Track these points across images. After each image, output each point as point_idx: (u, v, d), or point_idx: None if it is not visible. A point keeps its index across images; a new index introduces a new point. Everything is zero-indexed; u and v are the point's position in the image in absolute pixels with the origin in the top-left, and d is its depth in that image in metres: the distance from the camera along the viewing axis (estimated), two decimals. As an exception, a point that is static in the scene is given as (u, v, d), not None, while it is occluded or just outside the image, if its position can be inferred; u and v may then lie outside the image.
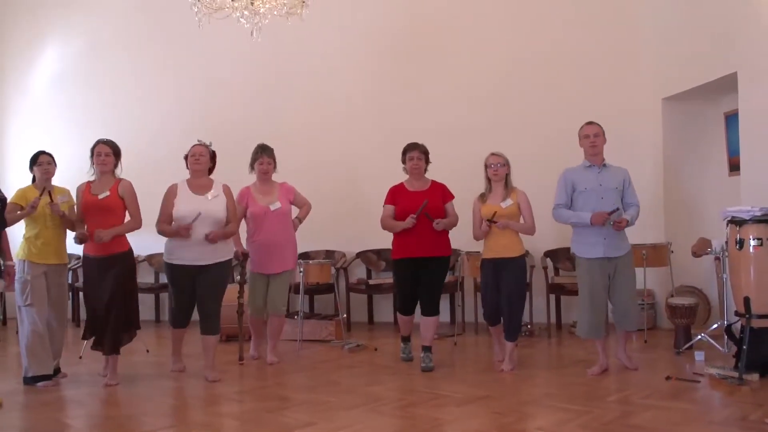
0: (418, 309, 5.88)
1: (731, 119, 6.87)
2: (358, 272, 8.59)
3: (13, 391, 5.15)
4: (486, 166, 5.65)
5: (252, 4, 6.64)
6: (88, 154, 5.41)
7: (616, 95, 7.75)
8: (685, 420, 4.10)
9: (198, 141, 5.53)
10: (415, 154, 5.79)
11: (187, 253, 5.36)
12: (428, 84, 8.40)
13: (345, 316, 7.73)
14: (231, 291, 6.81)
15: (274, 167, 6.14)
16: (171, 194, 5.47)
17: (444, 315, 8.12)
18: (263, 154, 6.07)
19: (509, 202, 5.55)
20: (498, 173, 5.58)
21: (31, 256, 5.30)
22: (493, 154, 5.66)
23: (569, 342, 7.06)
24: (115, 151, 5.40)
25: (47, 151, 5.62)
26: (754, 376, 5.05)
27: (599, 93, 7.81)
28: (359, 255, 8.50)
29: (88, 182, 5.36)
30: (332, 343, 7.06)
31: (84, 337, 5.57)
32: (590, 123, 5.49)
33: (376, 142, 8.21)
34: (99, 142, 5.39)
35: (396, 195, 5.84)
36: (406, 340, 6.09)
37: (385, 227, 5.84)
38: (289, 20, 6.84)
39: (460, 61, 8.36)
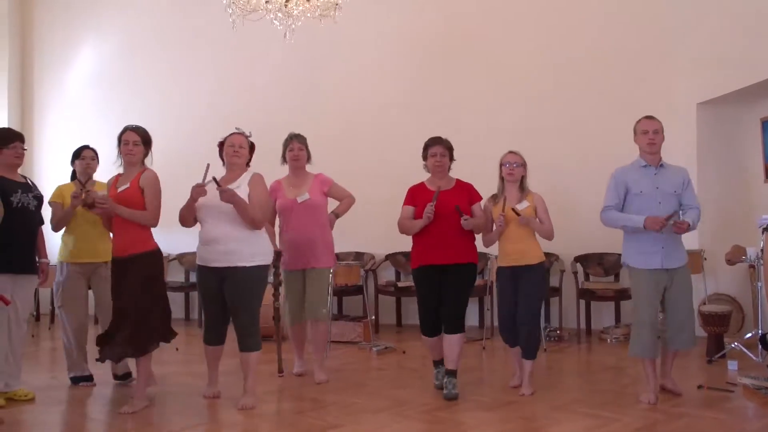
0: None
1: (767, 125, 6.77)
2: (387, 274, 8.58)
3: (46, 387, 5.23)
4: (501, 165, 5.15)
5: (286, 6, 6.67)
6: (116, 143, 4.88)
7: (651, 99, 7.60)
8: (718, 430, 4.05)
9: (236, 129, 4.88)
10: (438, 150, 5.13)
11: (206, 252, 4.70)
12: (462, 86, 8.36)
13: (373, 318, 7.73)
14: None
15: (308, 156, 5.59)
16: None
17: (473, 319, 8.12)
18: (293, 141, 5.57)
19: (525, 204, 5.04)
20: (513, 173, 5.08)
21: (67, 256, 5.29)
22: (510, 152, 5.17)
23: (599, 348, 6.99)
24: (145, 140, 4.83)
25: (91, 146, 5.50)
26: (789, 387, 4.97)
27: (633, 97, 7.70)
28: (388, 257, 8.50)
29: (118, 175, 4.87)
30: (360, 345, 7.06)
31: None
32: (649, 117, 4.91)
33: (407, 144, 8.15)
34: (127, 129, 4.82)
35: (416, 195, 5.16)
36: (439, 363, 5.18)
37: (402, 230, 5.18)
38: (322, 22, 6.86)
39: (493, 64, 8.31)
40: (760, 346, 5.85)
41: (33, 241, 4.94)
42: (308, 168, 5.65)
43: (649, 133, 4.83)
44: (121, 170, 4.86)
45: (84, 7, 10.01)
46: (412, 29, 8.54)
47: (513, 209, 4.93)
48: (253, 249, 4.68)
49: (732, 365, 5.71)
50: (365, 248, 8.50)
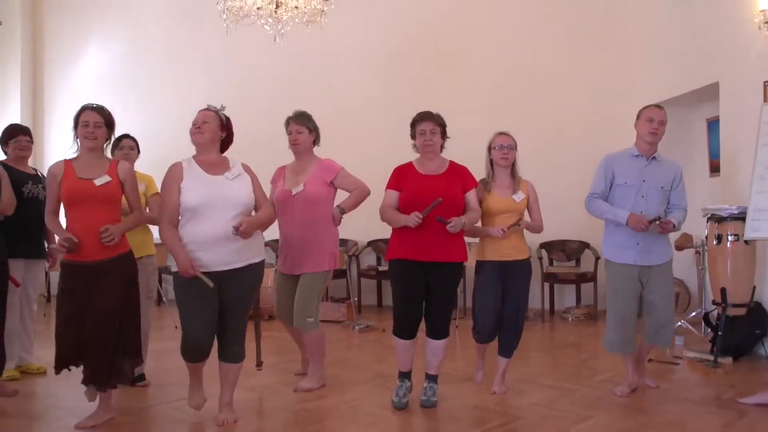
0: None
1: (713, 125, 6.87)
2: (369, 259, 8.64)
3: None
4: (491, 148, 4.32)
5: (275, 12, 6.67)
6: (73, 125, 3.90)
7: (610, 100, 7.79)
8: (665, 399, 4.15)
9: (207, 106, 3.89)
10: (428, 126, 4.09)
11: (209, 254, 3.59)
12: (435, 85, 8.39)
13: (356, 299, 7.79)
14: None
15: (315, 138, 4.55)
16: (174, 178, 3.65)
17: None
18: (291, 123, 4.52)
19: (522, 196, 4.28)
20: (508, 157, 4.26)
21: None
22: (501, 133, 4.34)
23: (561, 326, 7.10)
24: (108, 122, 3.82)
25: (130, 134, 4.74)
26: (728, 360, 5.11)
27: (594, 99, 7.87)
28: (370, 243, 8.54)
29: (67, 161, 3.81)
30: (344, 324, 7.11)
31: (58, 370, 3.76)
32: (658, 106, 4.34)
33: (387, 140, 8.22)
34: (86, 108, 3.82)
35: (402, 178, 4.12)
36: (404, 376, 4.14)
37: (384, 218, 4.12)
38: (309, 27, 6.86)
39: (467, 66, 8.37)
40: (703, 324, 5.98)
41: (42, 229, 4.92)
42: (317, 152, 4.68)
43: (654, 122, 4.23)
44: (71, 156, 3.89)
45: (90, 12, 9.93)
46: (391, 34, 8.57)
47: (517, 224, 4.19)
48: (257, 243, 3.77)
49: (679, 341, 5.83)
50: (349, 235, 8.52)
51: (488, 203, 4.24)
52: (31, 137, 5.03)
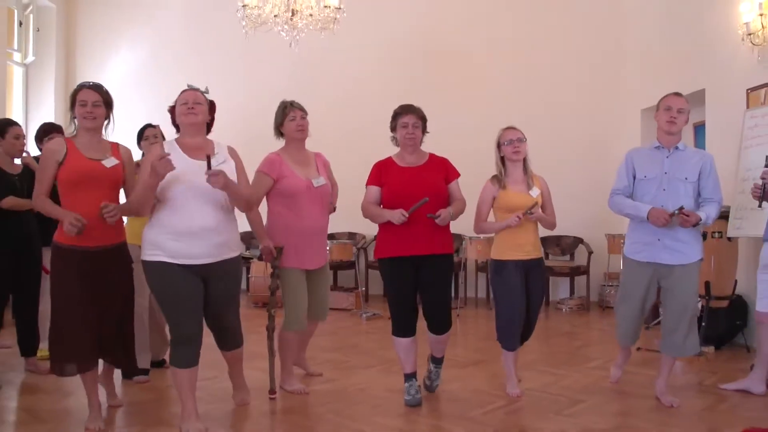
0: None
1: (699, 129, 6.88)
2: (376, 251, 8.65)
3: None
4: (500, 144, 3.93)
5: (291, 19, 6.70)
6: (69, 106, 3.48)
7: (603, 103, 7.84)
8: (652, 384, 4.17)
9: (188, 86, 3.50)
10: (410, 119, 3.86)
11: (193, 246, 3.22)
12: (442, 92, 8.40)
13: (364, 289, 7.82)
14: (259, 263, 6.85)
15: None
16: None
17: (448, 290, 8.21)
18: (295, 108, 4.06)
19: (537, 191, 3.93)
20: (519, 150, 3.87)
21: (131, 237, 3.83)
22: (509, 128, 3.94)
23: (555, 316, 7.14)
24: (106, 100, 3.44)
25: (152, 123, 4.62)
26: (711, 348, 5.14)
27: (588, 102, 7.91)
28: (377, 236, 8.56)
29: (67, 139, 3.42)
30: (352, 312, 7.15)
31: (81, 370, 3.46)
32: (677, 94, 3.83)
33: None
34: (83, 87, 3.40)
35: (383, 173, 3.85)
36: (411, 376, 3.86)
37: (365, 215, 3.86)
38: (322, 34, 6.89)
39: (470, 72, 8.40)
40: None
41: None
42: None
43: (672, 111, 3.77)
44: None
45: (120, 18, 9.96)
46: (399, 40, 8.57)
47: (528, 212, 3.81)
48: (236, 235, 3.50)
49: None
50: (357, 229, 8.57)
51: (504, 200, 3.89)
52: (64, 135, 5.07)
